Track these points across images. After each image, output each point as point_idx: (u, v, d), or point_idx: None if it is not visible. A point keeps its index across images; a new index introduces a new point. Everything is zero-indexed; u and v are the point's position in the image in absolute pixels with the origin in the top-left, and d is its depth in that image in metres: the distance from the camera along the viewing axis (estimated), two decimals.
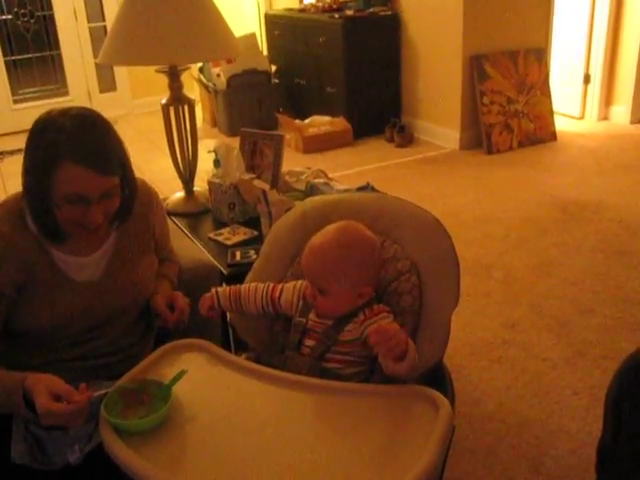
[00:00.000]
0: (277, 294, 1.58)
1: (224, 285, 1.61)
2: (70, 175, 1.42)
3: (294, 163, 3.31)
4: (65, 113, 1.45)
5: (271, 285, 1.60)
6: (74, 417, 1.32)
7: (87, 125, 1.46)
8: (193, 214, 2.55)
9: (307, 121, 5.60)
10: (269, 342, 1.63)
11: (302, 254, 1.51)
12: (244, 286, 1.62)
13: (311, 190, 2.36)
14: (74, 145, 1.41)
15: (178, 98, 2.52)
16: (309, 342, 1.50)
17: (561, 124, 5.65)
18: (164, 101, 2.55)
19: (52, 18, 6.67)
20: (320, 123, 5.54)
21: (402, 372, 1.37)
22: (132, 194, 1.60)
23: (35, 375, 1.37)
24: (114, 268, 1.64)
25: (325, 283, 1.45)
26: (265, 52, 6.51)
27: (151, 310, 1.70)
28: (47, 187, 1.44)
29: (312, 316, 1.52)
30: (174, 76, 2.50)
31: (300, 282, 1.58)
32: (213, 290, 1.62)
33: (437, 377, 1.48)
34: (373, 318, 1.44)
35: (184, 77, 2.57)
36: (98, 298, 1.60)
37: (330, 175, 2.71)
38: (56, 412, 1.30)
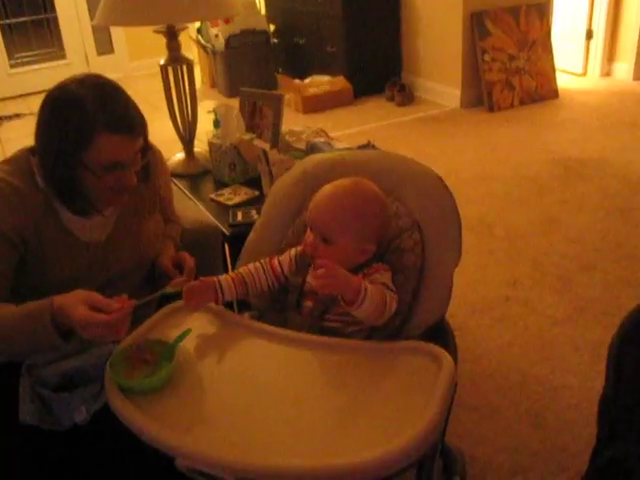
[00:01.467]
0: (278, 268, 1.56)
1: (225, 275, 1.54)
2: (107, 145, 1.43)
3: (294, 123, 3.29)
4: (81, 83, 1.45)
5: (268, 261, 1.57)
6: (116, 327, 1.30)
7: (109, 92, 1.47)
8: (194, 175, 2.54)
9: (307, 81, 5.55)
10: (271, 301, 1.63)
11: (312, 202, 1.48)
12: (244, 270, 1.56)
13: (312, 149, 2.35)
14: (105, 115, 1.42)
15: (176, 58, 2.50)
16: (308, 303, 1.50)
17: (563, 81, 5.60)
18: (162, 62, 2.53)
19: None
20: (320, 83, 5.49)
21: (364, 317, 1.39)
22: (147, 152, 1.61)
23: (63, 294, 1.34)
24: (121, 228, 1.65)
25: (332, 232, 1.43)
26: (263, 11, 6.42)
27: (157, 271, 1.71)
28: (81, 161, 1.44)
29: (309, 278, 1.51)
30: (172, 36, 2.47)
31: (294, 249, 1.57)
32: (215, 280, 1.52)
33: (440, 334, 1.48)
34: (372, 275, 1.44)
35: (183, 38, 2.54)
36: (105, 258, 1.61)
37: (331, 135, 2.69)
38: (97, 322, 1.28)
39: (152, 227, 1.73)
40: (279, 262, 1.57)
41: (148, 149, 1.60)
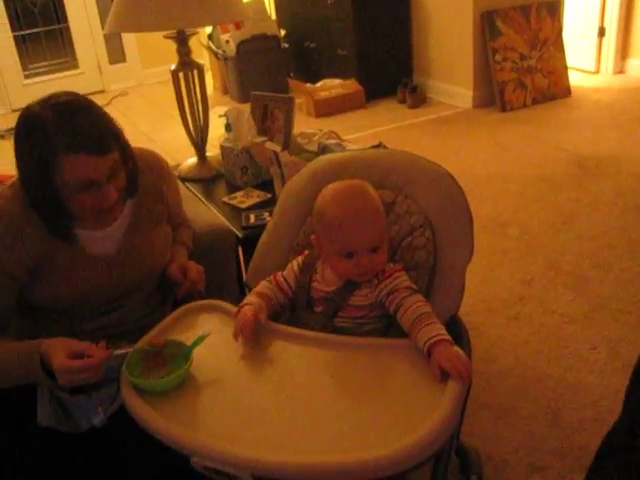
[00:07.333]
0: (285, 285, 1.54)
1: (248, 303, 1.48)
2: (73, 166, 1.40)
3: (306, 127, 3.29)
4: (45, 104, 1.42)
5: (273, 279, 1.55)
6: (91, 372, 1.33)
7: (71, 110, 1.42)
8: (206, 179, 2.56)
9: (318, 84, 5.56)
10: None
11: (338, 231, 1.42)
12: (262, 293, 1.52)
13: (323, 151, 2.35)
14: (66, 135, 1.38)
15: (187, 63, 2.52)
16: (317, 308, 1.50)
17: (576, 79, 5.56)
18: (173, 67, 2.55)
19: None
20: (331, 86, 5.50)
21: None
22: (134, 166, 1.59)
23: (50, 339, 1.38)
24: (130, 241, 1.64)
25: (380, 236, 1.43)
26: (273, 16, 6.44)
27: (167, 279, 1.72)
28: (53, 185, 1.43)
29: (316, 284, 1.51)
30: (182, 41, 2.49)
31: (296, 261, 1.56)
32: (247, 322, 1.42)
33: (454, 332, 1.48)
34: (387, 280, 1.43)
35: (194, 45, 2.56)
36: (116, 271, 1.61)
37: (343, 138, 2.69)
38: (73, 368, 1.31)
39: (162, 237, 1.73)
40: (284, 278, 1.55)
41: (132, 164, 1.57)
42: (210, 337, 1.38)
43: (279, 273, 1.56)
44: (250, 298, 1.51)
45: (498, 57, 5.04)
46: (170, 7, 2.21)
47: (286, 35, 6.12)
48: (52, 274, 1.53)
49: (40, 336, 1.41)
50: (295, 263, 1.56)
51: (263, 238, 1.71)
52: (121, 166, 1.50)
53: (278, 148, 2.23)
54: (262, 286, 1.55)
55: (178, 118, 2.65)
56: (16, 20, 6.56)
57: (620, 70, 5.74)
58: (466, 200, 1.54)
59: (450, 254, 1.50)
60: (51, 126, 1.38)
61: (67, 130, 1.39)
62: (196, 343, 1.37)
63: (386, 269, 1.45)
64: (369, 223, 1.41)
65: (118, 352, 1.37)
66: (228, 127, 2.44)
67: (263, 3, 5.98)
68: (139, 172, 1.62)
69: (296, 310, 1.54)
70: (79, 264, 1.56)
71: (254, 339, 1.41)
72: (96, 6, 6.73)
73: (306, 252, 1.57)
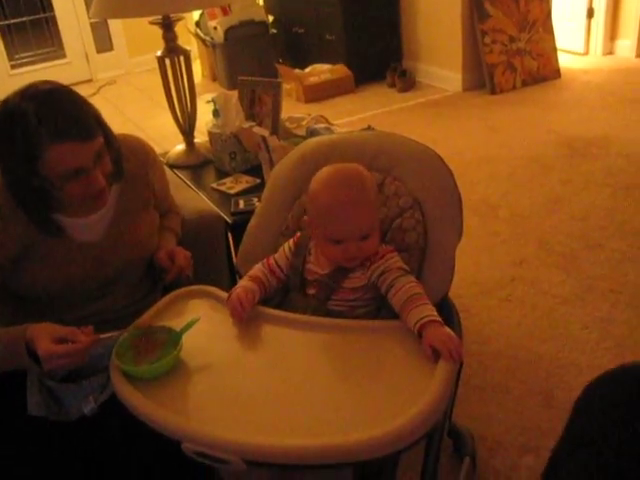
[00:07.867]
0: (277, 269, 1.53)
1: (238, 288, 1.48)
2: (59, 155, 1.39)
3: (296, 113, 3.28)
4: (23, 96, 1.40)
5: (265, 262, 1.55)
6: (75, 357, 1.33)
7: (52, 99, 1.41)
8: (195, 166, 2.54)
9: (307, 70, 5.54)
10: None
11: (327, 218, 1.41)
12: (254, 276, 1.52)
13: (312, 135, 2.33)
14: (49, 125, 1.37)
15: (173, 49, 2.50)
16: (311, 291, 1.50)
17: (565, 61, 5.55)
18: (159, 53, 2.52)
19: None
20: (320, 71, 5.48)
21: None
22: (118, 149, 1.57)
23: (36, 324, 1.38)
24: (116, 228, 1.63)
25: (370, 225, 1.41)
26: (261, 2, 6.40)
27: (155, 266, 1.71)
28: (40, 176, 1.42)
29: (310, 266, 1.50)
30: (168, 27, 2.46)
31: (287, 244, 1.56)
32: (238, 304, 1.44)
33: (444, 314, 1.48)
34: (380, 262, 1.43)
35: (182, 32, 2.53)
36: (102, 258, 1.60)
37: (333, 122, 2.67)
38: (56, 353, 1.32)
39: (147, 223, 1.72)
40: (275, 261, 1.54)
41: (113, 144, 1.55)
42: (200, 322, 1.38)
43: (272, 257, 1.56)
44: (243, 282, 1.51)
45: (487, 39, 5.02)
46: None
47: (274, 21, 6.09)
48: (38, 261, 1.52)
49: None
50: (287, 246, 1.56)
51: (252, 222, 1.70)
52: (106, 150, 1.49)
53: (266, 133, 2.22)
54: (256, 270, 1.55)
55: (167, 106, 2.64)
56: (0, 9, 6.49)
57: (609, 51, 5.72)
58: (454, 181, 1.53)
59: (440, 235, 1.50)
60: (32, 118, 1.36)
61: (50, 120, 1.37)
62: (186, 328, 1.36)
63: (379, 250, 1.45)
64: (359, 213, 1.40)
65: (104, 336, 1.37)
66: (216, 113, 2.42)
67: None
68: (123, 158, 1.61)
69: (289, 293, 1.53)
70: (65, 251, 1.55)
71: (247, 318, 1.42)
72: None
73: (298, 234, 1.57)
